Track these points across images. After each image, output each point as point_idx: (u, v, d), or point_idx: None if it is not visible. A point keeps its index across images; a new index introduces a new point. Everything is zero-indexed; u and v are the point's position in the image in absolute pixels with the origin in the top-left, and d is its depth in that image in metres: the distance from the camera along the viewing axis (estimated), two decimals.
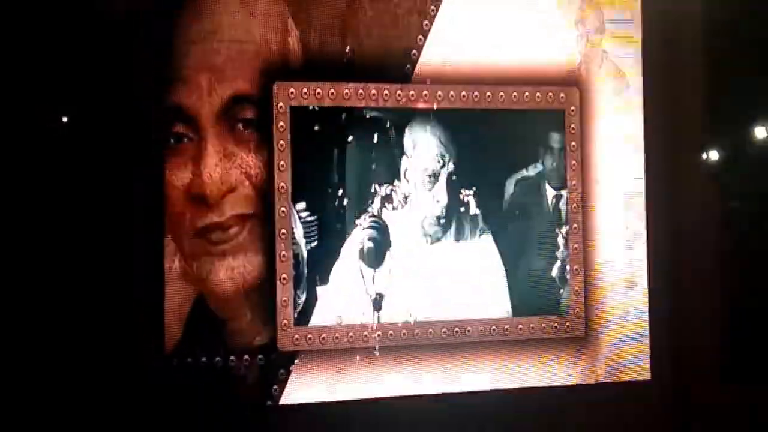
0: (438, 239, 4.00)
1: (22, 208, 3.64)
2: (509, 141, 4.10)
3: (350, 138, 3.89)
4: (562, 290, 4.13)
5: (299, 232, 3.82)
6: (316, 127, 3.85)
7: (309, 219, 3.83)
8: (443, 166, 3.98)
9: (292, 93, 3.84)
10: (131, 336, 3.67)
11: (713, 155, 4.55)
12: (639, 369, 4.23)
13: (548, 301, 4.13)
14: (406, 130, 3.96)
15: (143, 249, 3.71)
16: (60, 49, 3.66)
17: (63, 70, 3.67)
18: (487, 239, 4.05)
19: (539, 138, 4.14)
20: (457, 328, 4.00)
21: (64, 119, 3.73)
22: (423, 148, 3.98)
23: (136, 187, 3.70)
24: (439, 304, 3.99)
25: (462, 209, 4.02)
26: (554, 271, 4.13)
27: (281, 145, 3.81)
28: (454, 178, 4.01)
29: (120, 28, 3.69)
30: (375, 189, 3.91)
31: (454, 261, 4.01)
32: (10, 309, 3.62)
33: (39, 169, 3.66)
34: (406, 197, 3.94)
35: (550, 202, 4.14)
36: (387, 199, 3.93)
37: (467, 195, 4.01)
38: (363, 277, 3.89)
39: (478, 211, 4.03)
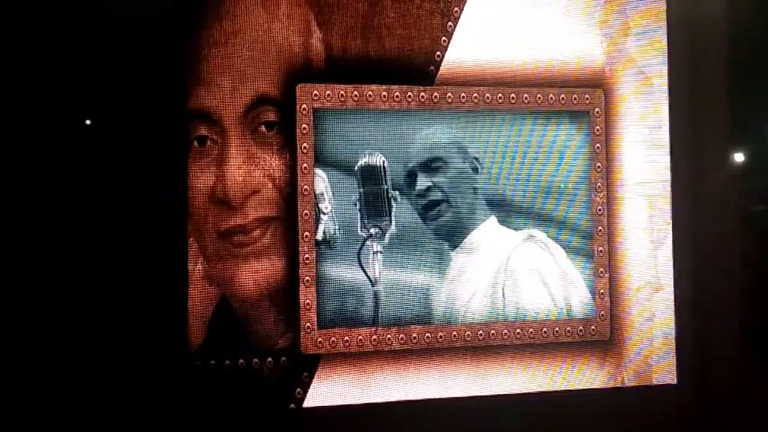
0: (469, 241, 3.98)
1: (47, 210, 3.65)
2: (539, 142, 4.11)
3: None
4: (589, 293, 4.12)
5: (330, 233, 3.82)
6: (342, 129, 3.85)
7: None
8: (475, 169, 3.97)
9: (315, 95, 3.83)
10: (155, 337, 3.67)
11: (739, 157, 4.51)
12: (665, 372, 4.20)
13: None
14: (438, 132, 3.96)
15: (167, 251, 3.72)
16: (82, 53, 3.67)
17: (85, 73, 3.68)
18: (520, 241, 4.04)
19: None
20: (481, 332, 3.98)
21: (88, 122, 3.74)
22: (455, 151, 3.97)
23: (159, 190, 3.70)
24: (472, 305, 3.98)
25: (493, 211, 4.01)
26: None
27: (304, 148, 3.81)
28: (483, 181, 4.00)
29: (142, 31, 3.70)
30: (395, 195, 3.90)
31: (489, 263, 4.00)
32: (34, 310, 3.62)
33: (62, 172, 3.67)
34: (440, 201, 3.93)
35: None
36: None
37: (499, 197, 4.01)
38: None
39: (511, 212, 4.03)
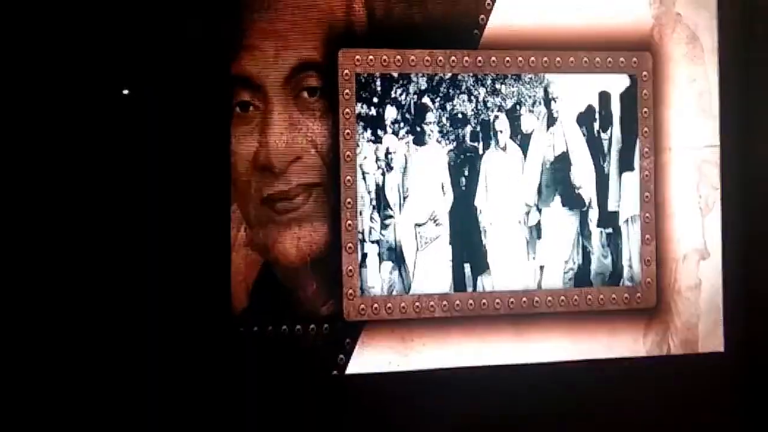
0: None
1: (93, 179, 3.65)
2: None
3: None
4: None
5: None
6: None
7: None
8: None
9: (357, 60, 3.80)
10: (198, 304, 3.68)
11: None
12: (712, 340, 4.16)
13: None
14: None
15: (210, 218, 3.72)
16: (126, 20, 3.65)
17: (130, 41, 3.66)
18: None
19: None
20: (524, 299, 3.96)
21: (130, 90, 3.73)
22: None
23: (203, 156, 3.69)
24: (509, 271, 3.96)
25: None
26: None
27: (347, 113, 3.78)
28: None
29: None
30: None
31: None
32: (86, 275, 3.64)
33: (109, 140, 3.66)
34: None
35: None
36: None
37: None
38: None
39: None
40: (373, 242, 3.81)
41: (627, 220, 4.08)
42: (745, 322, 4.20)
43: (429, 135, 3.84)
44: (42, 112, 3.60)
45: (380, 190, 3.82)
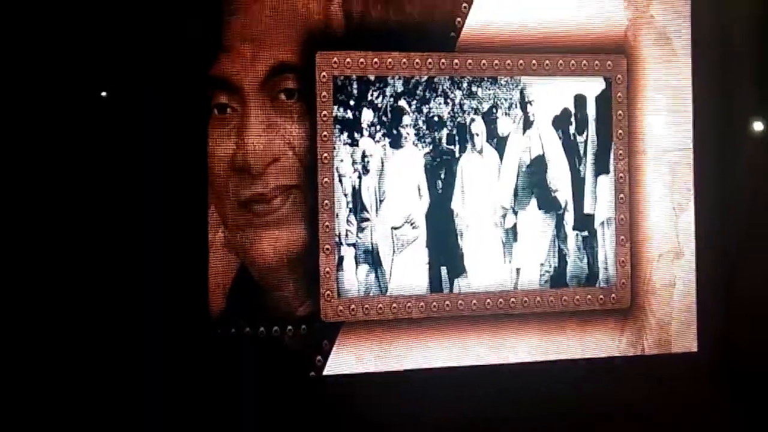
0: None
1: (65, 178, 3.66)
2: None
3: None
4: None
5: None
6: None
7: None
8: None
9: (335, 62, 3.81)
10: (176, 306, 3.68)
11: (762, 125, 4.44)
12: (685, 340, 4.20)
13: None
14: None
15: (187, 219, 3.72)
16: (103, 21, 3.65)
17: (107, 42, 3.66)
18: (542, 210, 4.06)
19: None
20: (501, 300, 3.98)
21: (108, 92, 3.73)
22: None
23: (180, 158, 3.70)
24: (485, 274, 3.98)
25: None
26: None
27: (324, 116, 3.79)
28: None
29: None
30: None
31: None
32: (62, 275, 3.65)
33: (85, 142, 3.67)
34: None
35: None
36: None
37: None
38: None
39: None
40: (349, 245, 3.83)
41: (603, 223, 4.11)
42: (718, 322, 4.23)
43: (405, 138, 3.86)
44: (18, 114, 3.61)
45: (356, 192, 3.84)
